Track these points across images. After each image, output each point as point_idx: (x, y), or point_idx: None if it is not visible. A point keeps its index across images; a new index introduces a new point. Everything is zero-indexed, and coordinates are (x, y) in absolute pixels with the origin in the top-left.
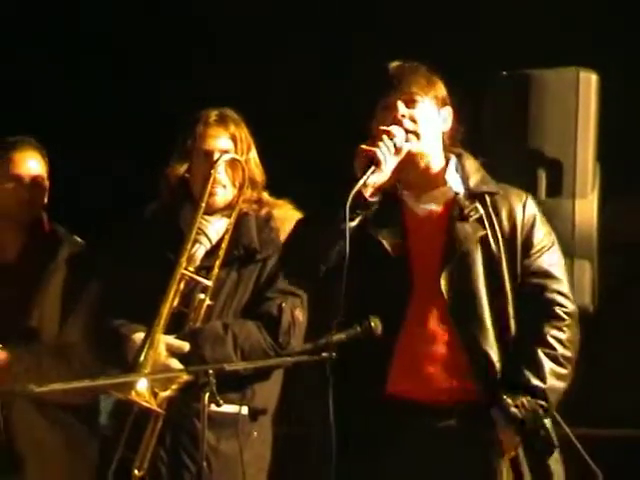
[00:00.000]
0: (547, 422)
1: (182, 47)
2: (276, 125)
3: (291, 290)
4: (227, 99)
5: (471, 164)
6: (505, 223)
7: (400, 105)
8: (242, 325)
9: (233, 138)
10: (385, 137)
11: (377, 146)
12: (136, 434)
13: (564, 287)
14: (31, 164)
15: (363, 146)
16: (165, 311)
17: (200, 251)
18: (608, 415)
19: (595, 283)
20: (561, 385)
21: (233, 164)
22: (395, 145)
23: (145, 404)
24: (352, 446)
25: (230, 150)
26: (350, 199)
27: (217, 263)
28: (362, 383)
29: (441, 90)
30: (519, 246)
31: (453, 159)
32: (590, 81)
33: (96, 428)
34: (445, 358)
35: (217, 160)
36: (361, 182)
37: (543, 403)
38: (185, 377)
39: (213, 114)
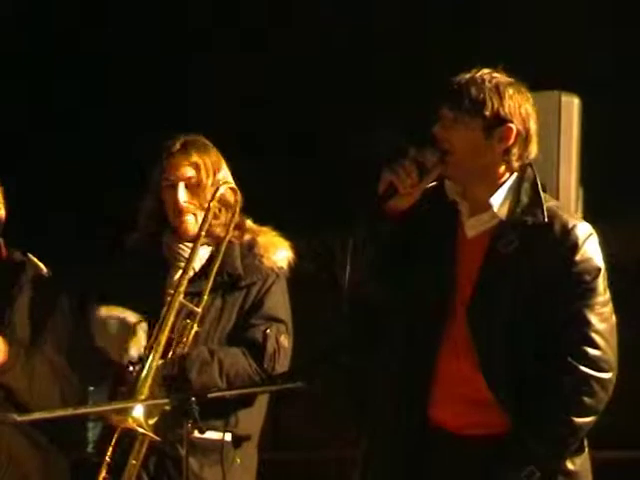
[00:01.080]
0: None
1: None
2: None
3: (276, 316)
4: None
5: (527, 188)
6: (542, 258)
7: (442, 123)
8: (228, 351)
9: (195, 166)
10: (408, 161)
11: (397, 172)
12: (119, 461)
13: (592, 332)
14: None
15: (383, 171)
16: (163, 339)
17: None
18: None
19: None
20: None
21: (194, 191)
22: (423, 167)
23: (142, 431)
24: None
25: (193, 177)
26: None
27: (206, 290)
28: (402, 410)
29: (499, 106)
30: (553, 282)
31: (510, 181)
32: (572, 105)
33: (71, 455)
34: (470, 394)
35: (179, 190)
36: (369, 210)
37: (547, 460)
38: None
39: (177, 143)
